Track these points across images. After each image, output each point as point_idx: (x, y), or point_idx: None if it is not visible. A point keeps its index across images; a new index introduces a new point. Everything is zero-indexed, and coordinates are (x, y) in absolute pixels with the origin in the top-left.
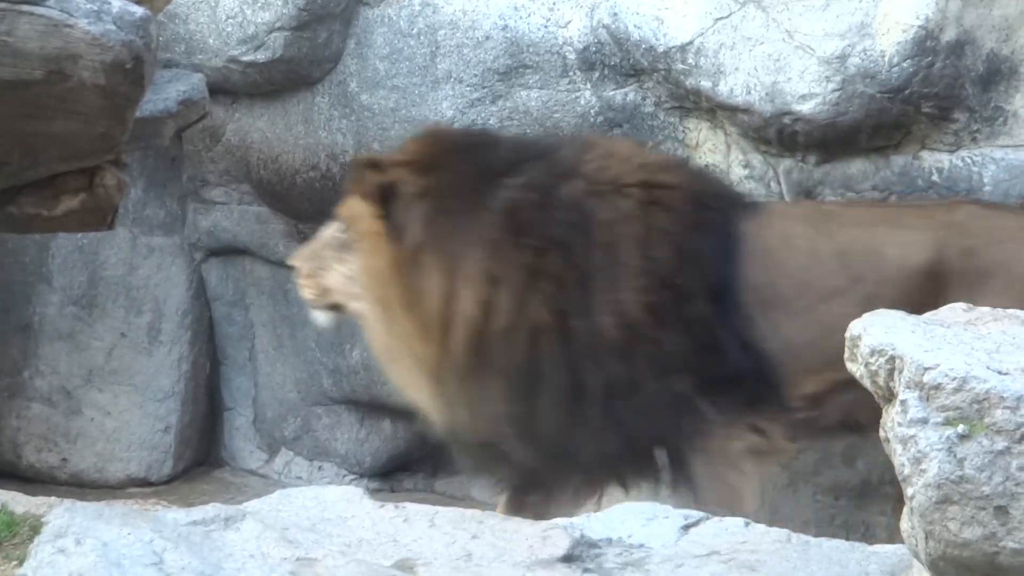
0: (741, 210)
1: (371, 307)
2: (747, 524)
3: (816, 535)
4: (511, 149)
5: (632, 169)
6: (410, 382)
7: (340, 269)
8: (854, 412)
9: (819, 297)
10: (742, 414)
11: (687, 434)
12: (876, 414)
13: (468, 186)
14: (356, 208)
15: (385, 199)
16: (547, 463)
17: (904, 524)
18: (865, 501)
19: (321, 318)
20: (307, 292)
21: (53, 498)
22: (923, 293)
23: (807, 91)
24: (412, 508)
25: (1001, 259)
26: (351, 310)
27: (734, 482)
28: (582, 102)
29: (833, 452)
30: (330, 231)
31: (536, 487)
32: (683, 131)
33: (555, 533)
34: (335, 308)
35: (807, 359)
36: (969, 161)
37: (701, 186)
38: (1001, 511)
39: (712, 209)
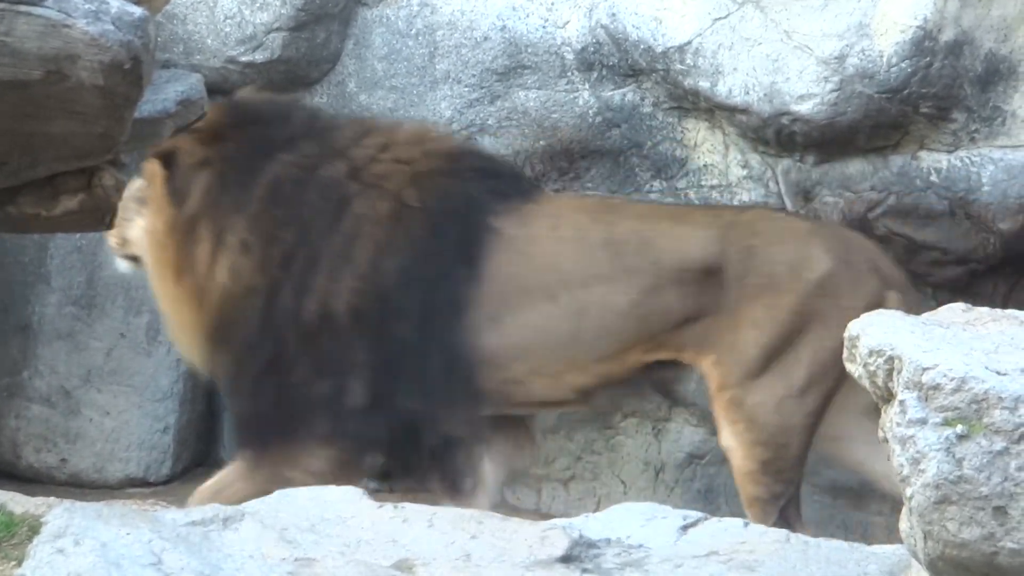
0: (506, 200)
1: (151, 267)
2: (746, 524)
3: (815, 535)
4: (300, 124)
5: (400, 166)
6: (183, 343)
7: (138, 222)
8: (621, 403)
9: (579, 283)
10: (327, 449)
11: (313, 435)
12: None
13: (246, 158)
14: (152, 167)
15: (169, 164)
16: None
17: (903, 524)
18: (864, 501)
19: (122, 266)
20: (111, 239)
21: (52, 498)
22: (702, 288)
23: (805, 91)
24: (411, 508)
25: (784, 259)
26: (143, 263)
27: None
28: (580, 102)
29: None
30: (136, 183)
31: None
32: (681, 131)
33: (554, 533)
34: (134, 259)
35: (566, 348)
36: (967, 161)
37: (465, 182)
38: (1000, 511)
39: (467, 208)
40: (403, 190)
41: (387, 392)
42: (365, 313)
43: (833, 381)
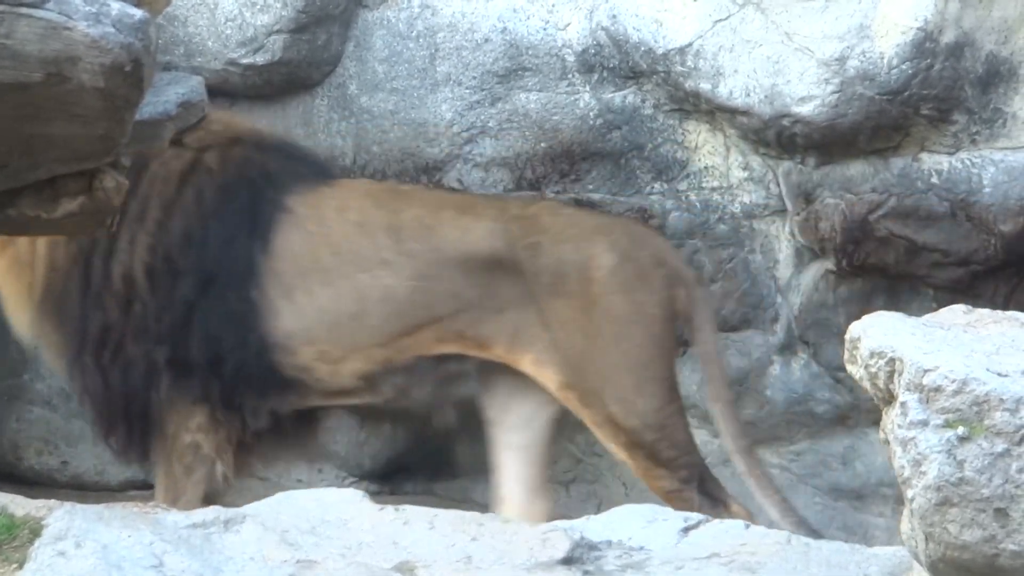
0: (302, 183)
1: None
2: (747, 526)
3: (816, 537)
4: None
5: (197, 135)
6: (13, 316)
7: None
8: (408, 393)
9: (362, 267)
10: (198, 408)
11: (154, 410)
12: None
13: None
14: None
15: None
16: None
17: (904, 526)
18: (865, 503)
19: None
20: None
21: (53, 501)
22: (486, 280)
23: (806, 93)
24: (412, 510)
25: (570, 258)
26: None
27: (177, 474)
28: (581, 104)
29: (833, 454)
30: None
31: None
32: (682, 133)
33: (555, 535)
34: None
35: (347, 331)
36: (968, 163)
37: (263, 158)
38: (1001, 513)
39: (260, 183)
40: (203, 152)
41: (199, 355)
42: (157, 273)
43: (662, 364)
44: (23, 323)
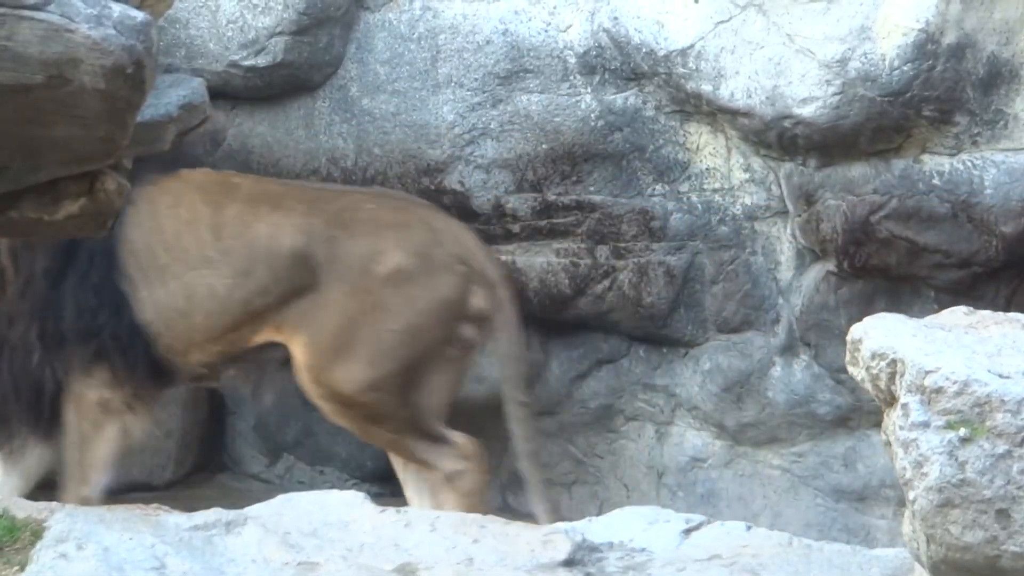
0: (146, 176)
1: None
2: (749, 528)
3: (817, 539)
4: None
5: None
6: None
7: None
8: (243, 379)
9: (189, 265)
10: (97, 366)
11: (53, 379)
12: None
13: None
14: None
15: None
16: None
17: (905, 528)
18: (866, 505)
19: None
20: None
21: (55, 503)
22: (295, 275)
23: (807, 95)
24: (413, 513)
25: (358, 252)
26: None
27: (86, 431)
28: (583, 106)
29: (834, 455)
30: None
31: None
32: (684, 135)
33: (556, 537)
34: None
35: (182, 328)
36: (970, 164)
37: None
38: (1002, 515)
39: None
40: None
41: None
42: (18, 254)
43: (409, 351)
44: None
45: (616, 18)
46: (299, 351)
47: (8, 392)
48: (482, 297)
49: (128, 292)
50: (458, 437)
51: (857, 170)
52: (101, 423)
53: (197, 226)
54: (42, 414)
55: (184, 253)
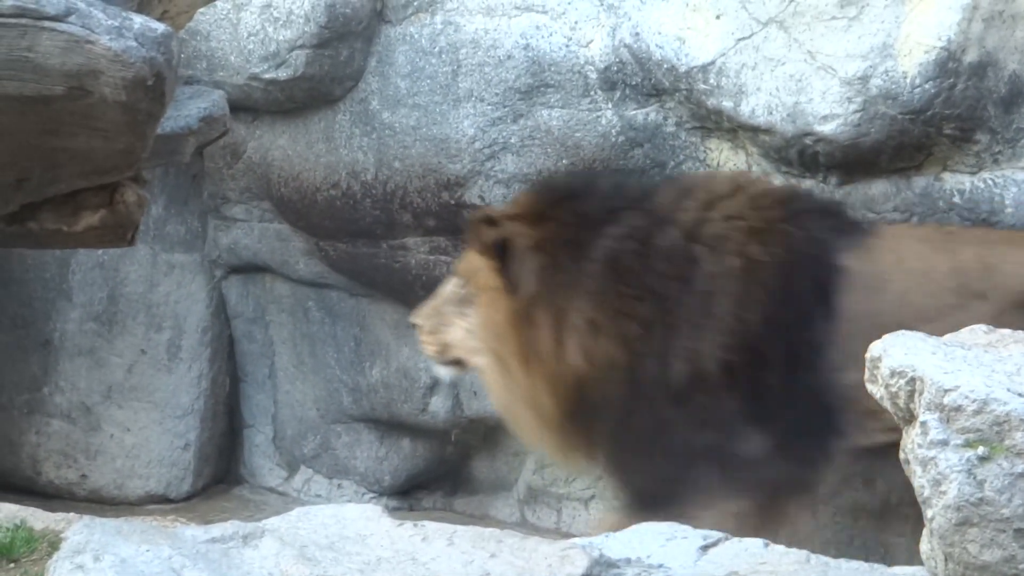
0: (847, 237)
1: (489, 361)
2: (766, 545)
3: (835, 556)
4: (611, 195)
5: (734, 222)
6: (531, 433)
7: (461, 324)
8: None
9: (935, 315)
10: (742, 497)
11: (690, 494)
12: None
13: (573, 236)
14: (474, 263)
15: (502, 254)
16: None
17: (923, 546)
18: (884, 522)
19: (443, 372)
20: (429, 348)
21: (72, 514)
22: None
23: (829, 112)
24: (431, 526)
25: None
26: (472, 364)
27: None
28: (603, 121)
29: (853, 473)
30: (449, 287)
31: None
32: (704, 151)
33: (574, 553)
34: (457, 363)
35: None
36: (991, 183)
37: (803, 225)
38: (1021, 533)
39: (813, 251)
40: (746, 247)
41: (765, 438)
42: (735, 366)
43: None
44: (543, 438)
45: (637, 34)
46: None
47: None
48: None
49: (838, 364)
50: None
51: (878, 188)
52: None
53: (934, 276)
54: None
55: (923, 305)
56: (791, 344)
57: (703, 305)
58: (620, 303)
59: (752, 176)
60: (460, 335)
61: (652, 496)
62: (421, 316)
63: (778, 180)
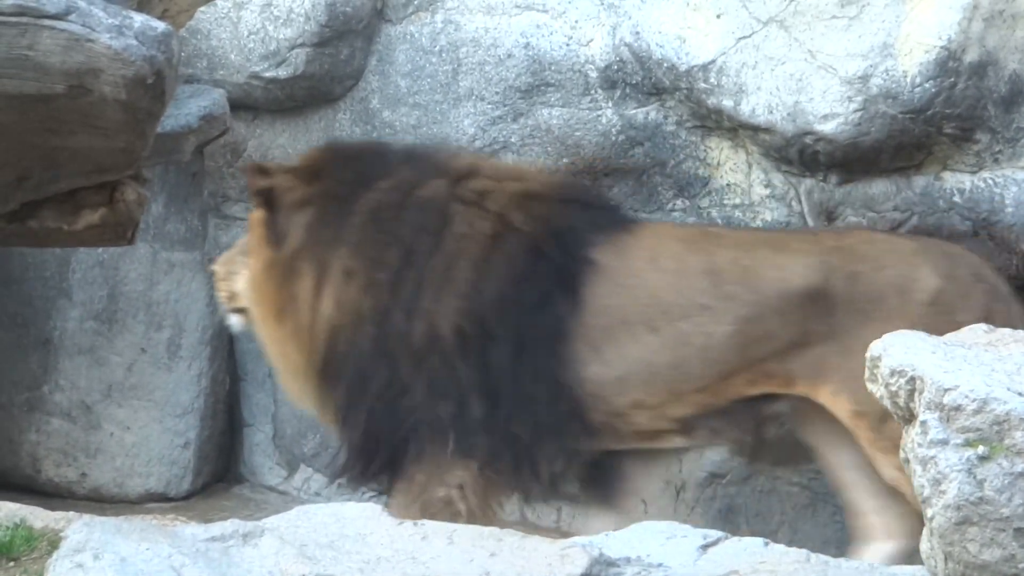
0: (604, 232)
1: (252, 311)
2: (766, 544)
3: (835, 555)
4: (395, 155)
5: (500, 187)
6: (289, 386)
7: (244, 273)
8: (721, 435)
9: (681, 314)
10: (467, 463)
11: (410, 456)
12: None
13: (346, 193)
14: (253, 215)
15: (270, 205)
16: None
17: (923, 545)
18: None
19: (233, 321)
20: (221, 295)
21: (72, 513)
22: (805, 315)
23: (829, 111)
24: (431, 525)
25: (891, 283)
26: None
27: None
28: (604, 120)
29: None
30: (246, 236)
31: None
32: (704, 150)
33: (574, 552)
34: (242, 311)
35: (665, 378)
36: (991, 182)
37: (563, 213)
38: (1021, 533)
39: (566, 239)
40: (508, 211)
41: (499, 414)
42: (468, 334)
43: None
44: (303, 392)
45: (638, 33)
46: (835, 403)
47: (369, 447)
48: (1002, 313)
49: (579, 356)
50: None
51: (878, 187)
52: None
53: (686, 274)
54: (372, 475)
55: (673, 303)
56: (525, 325)
57: (447, 266)
58: (374, 251)
59: (535, 163)
60: (242, 284)
61: (369, 456)
62: (219, 263)
63: (776, 179)
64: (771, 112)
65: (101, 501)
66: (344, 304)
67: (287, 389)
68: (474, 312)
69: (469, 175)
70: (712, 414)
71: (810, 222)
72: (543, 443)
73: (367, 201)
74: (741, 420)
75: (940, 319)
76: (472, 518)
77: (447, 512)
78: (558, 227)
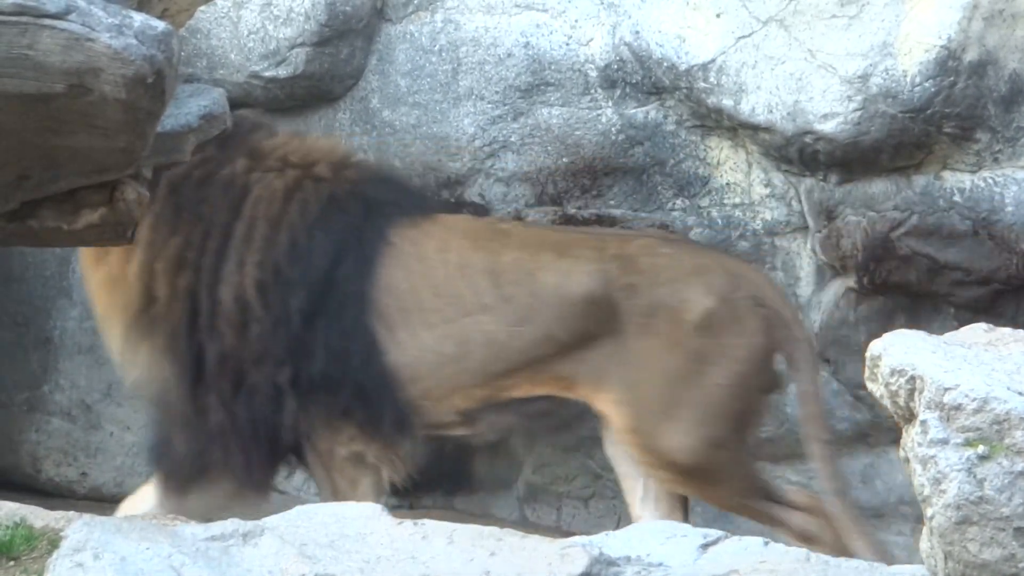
0: (405, 217)
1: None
2: (766, 543)
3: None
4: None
5: (302, 152)
6: (107, 334)
7: None
8: (508, 432)
9: (464, 311)
10: (345, 419)
11: (295, 430)
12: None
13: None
14: None
15: None
16: (187, 438)
17: (923, 544)
18: (884, 521)
19: None
20: None
21: (72, 512)
22: (586, 321)
23: (829, 110)
24: (431, 525)
25: (662, 299)
26: None
27: (342, 487)
28: (603, 120)
29: (852, 472)
30: None
31: (190, 468)
32: (704, 149)
33: (574, 551)
34: None
35: (448, 372)
36: (991, 182)
37: (367, 188)
38: (1021, 532)
39: (365, 211)
40: (313, 165)
41: (331, 370)
42: (268, 287)
43: (735, 403)
44: (115, 339)
45: (638, 32)
46: (614, 413)
47: (243, 437)
48: (783, 338)
49: (381, 335)
50: (793, 491)
51: (878, 186)
52: (357, 479)
53: (471, 272)
54: (270, 468)
55: (456, 298)
56: (318, 273)
57: (248, 228)
58: (174, 224)
59: (349, 147)
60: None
61: (245, 435)
62: None
63: (776, 178)
64: (771, 111)
65: (101, 501)
66: (155, 278)
67: (102, 331)
68: (269, 262)
69: (276, 150)
70: (492, 408)
71: (810, 221)
72: (380, 411)
73: (169, 176)
74: (517, 415)
75: (706, 341)
76: (379, 468)
77: (360, 468)
78: (363, 192)
